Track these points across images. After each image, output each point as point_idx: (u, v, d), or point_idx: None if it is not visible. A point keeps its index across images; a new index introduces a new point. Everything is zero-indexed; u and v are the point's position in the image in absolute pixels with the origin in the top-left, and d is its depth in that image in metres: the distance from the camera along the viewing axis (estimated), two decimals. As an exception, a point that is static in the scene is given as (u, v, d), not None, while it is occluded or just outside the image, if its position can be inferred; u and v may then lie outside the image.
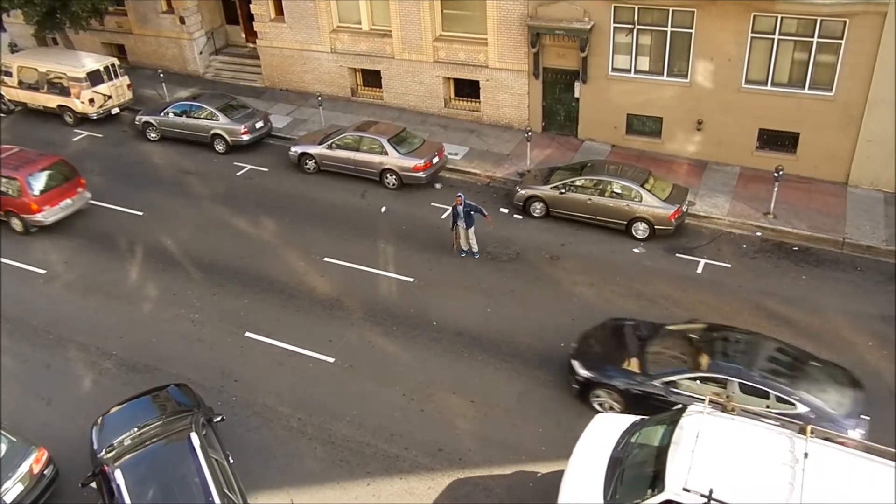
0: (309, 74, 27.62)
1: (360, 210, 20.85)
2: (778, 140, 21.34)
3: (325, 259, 18.56)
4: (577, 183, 19.35)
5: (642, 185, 18.82)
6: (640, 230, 18.88)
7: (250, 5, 27.47)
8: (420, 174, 21.34)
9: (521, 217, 20.17)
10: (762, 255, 18.40)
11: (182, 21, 28.97)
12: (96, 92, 25.80)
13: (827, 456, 9.61)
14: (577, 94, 23.37)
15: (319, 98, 25.14)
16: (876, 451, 9.80)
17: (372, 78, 26.80)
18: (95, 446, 12.16)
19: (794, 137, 21.09)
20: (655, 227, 18.71)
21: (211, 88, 28.00)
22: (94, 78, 25.79)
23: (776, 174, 19.02)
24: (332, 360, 15.28)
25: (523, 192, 20.05)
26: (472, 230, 18.28)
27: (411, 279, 17.73)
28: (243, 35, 30.49)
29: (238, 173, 23.09)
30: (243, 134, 23.85)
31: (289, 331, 16.08)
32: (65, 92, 25.77)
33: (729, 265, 17.99)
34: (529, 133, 22.13)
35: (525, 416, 13.80)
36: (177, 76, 29.41)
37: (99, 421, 12.64)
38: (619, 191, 18.92)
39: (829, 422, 11.70)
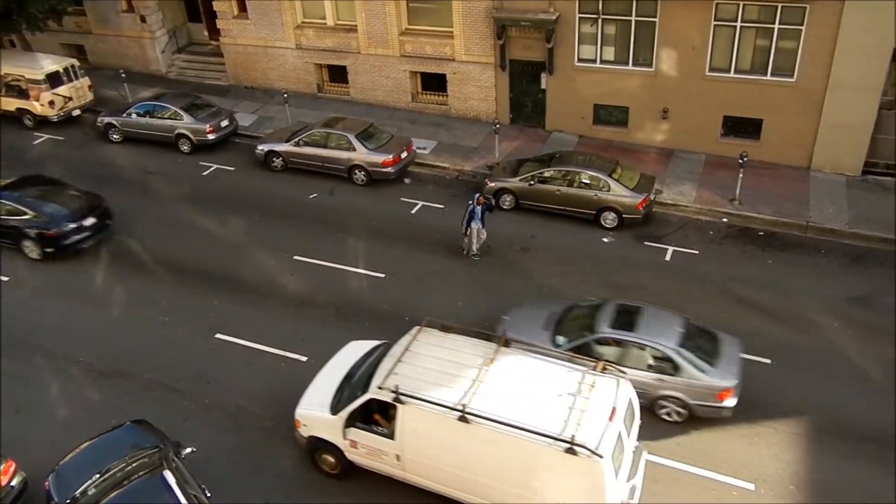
0: (274, 71, 27.33)
1: (329, 207, 20.71)
2: (742, 127, 21.60)
3: (295, 257, 18.42)
4: (546, 174, 19.42)
5: (610, 175, 18.94)
6: (609, 219, 19.01)
7: (213, 2, 27.08)
8: (389, 169, 21.24)
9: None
10: (729, 241, 18.63)
11: (143, 20, 28.49)
12: (56, 94, 25.28)
13: (515, 362, 11.35)
14: (543, 86, 23.42)
15: (285, 95, 24.90)
16: (579, 361, 11.31)
17: (338, 73, 26.60)
18: (56, 500, 11.00)
19: (757, 124, 21.36)
20: (624, 216, 18.85)
21: (174, 88, 27.57)
22: (54, 80, 25.26)
23: (741, 160, 19.26)
24: (304, 358, 15.16)
25: (493, 184, 20.07)
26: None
27: (382, 275, 17.66)
28: (206, 33, 30.05)
29: (204, 173, 22.80)
30: (209, 133, 23.54)
31: (260, 330, 15.93)
32: (23, 95, 25.19)
33: (697, 252, 18.19)
34: (497, 125, 22.14)
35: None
36: (139, 76, 28.92)
37: (55, 470, 11.51)
38: (587, 181, 19.02)
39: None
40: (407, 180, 21.96)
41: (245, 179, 22.29)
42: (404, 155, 21.67)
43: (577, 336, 13.48)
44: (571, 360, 11.38)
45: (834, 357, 14.74)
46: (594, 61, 22.44)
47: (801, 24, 19.67)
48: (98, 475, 10.97)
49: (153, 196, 21.56)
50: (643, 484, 11.50)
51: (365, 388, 11.55)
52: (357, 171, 21.55)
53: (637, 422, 11.42)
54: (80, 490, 10.88)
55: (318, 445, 12.21)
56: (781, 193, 20.07)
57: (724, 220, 19.46)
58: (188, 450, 11.80)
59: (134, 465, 11.05)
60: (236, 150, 23.97)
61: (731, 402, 12.79)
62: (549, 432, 10.03)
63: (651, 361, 12.94)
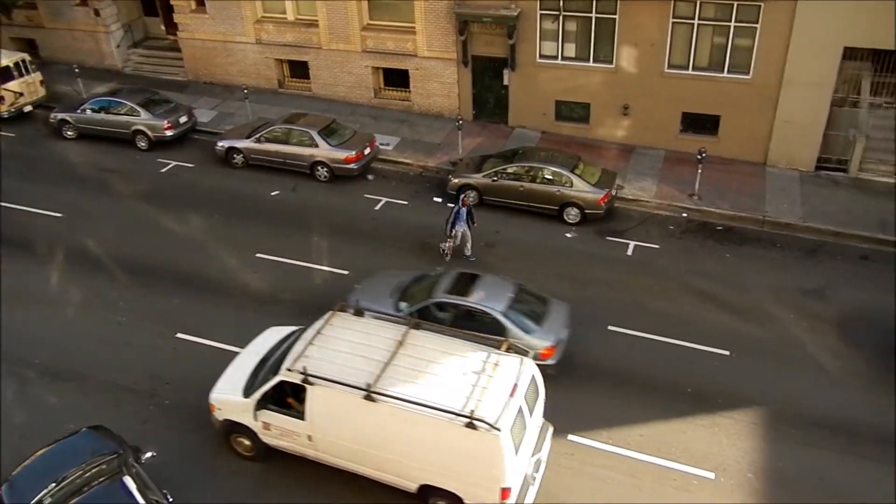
0: (234, 66, 26.94)
1: (292, 204, 20.52)
2: (700, 123, 21.98)
3: (258, 255, 18.20)
4: (509, 170, 19.51)
5: (572, 171, 19.12)
6: (572, 215, 19.20)
7: (169, -4, 26.60)
8: (352, 165, 21.12)
9: (454, 206, 20.18)
10: (688, 236, 18.97)
11: (97, 13, 27.80)
12: (6, 89, 24.55)
13: (426, 343, 11.69)
14: (506, 82, 23.52)
15: (245, 91, 24.56)
16: (491, 342, 11.71)
17: (299, 69, 26.34)
18: None
19: (715, 120, 21.76)
20: (586, 211, 19.04)
21: (131, 83, 26.96)
22: (4, 74, 24.52)
23: (699, 156, 19.60)
24: (267, 357, 15.02)
25: (456, 180, 20.09)
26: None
27: (346, 272, 17.56)
28: (163, 27, 29.47)
29: (163, 170, 22.38)
30: (167, 129, 23.11)
31: (222, 330, 15.69)
32: (-28, 90, 24.46)
33: (657, 246, 18.47)
34: (460, 121, 22.17)
35: (464, 404, 13.86)
36: (94, 71, 28.24)
37: (8, 480, 11.02)
38: (550, 177, 19.17)
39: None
40: (370, 177, 21.86)
41: (205, 176, 21.94)
42: (367, 151, 21.56)
43: (418, 301, 14.26)
44: (479, 340, 11.79)
45: (790, 348, 15.11)
46: (556, 58, 22.60)
47: (757, 22, 20.09)
48: (54, 484, 10.60)
49: (110, 194, 21.10)
50: (548, 459, 11.89)
51: (276, 371, 11.82)
52: (319, 168, 21.38)
53: (542, 399, 11.88)
54: (35, 500, 10.50)
55: (233, 429, 12.47)
56: (738, 188, 20.49)
57: (684, 214, 19.80)
58: (148, 454, 11.57)
59: (92, 472, 10.71)
60: (195, 147, 23.58)
61: (552, 360, 13.66)
62: (450, 408, 10.51)
63: (478, 323, 13.69)
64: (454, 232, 17.51)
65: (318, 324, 12.35)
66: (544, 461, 11.84)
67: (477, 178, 19.82)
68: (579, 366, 14.67)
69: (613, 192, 19.42)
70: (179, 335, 15.64)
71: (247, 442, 12.50)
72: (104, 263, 18.02)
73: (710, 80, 21.19)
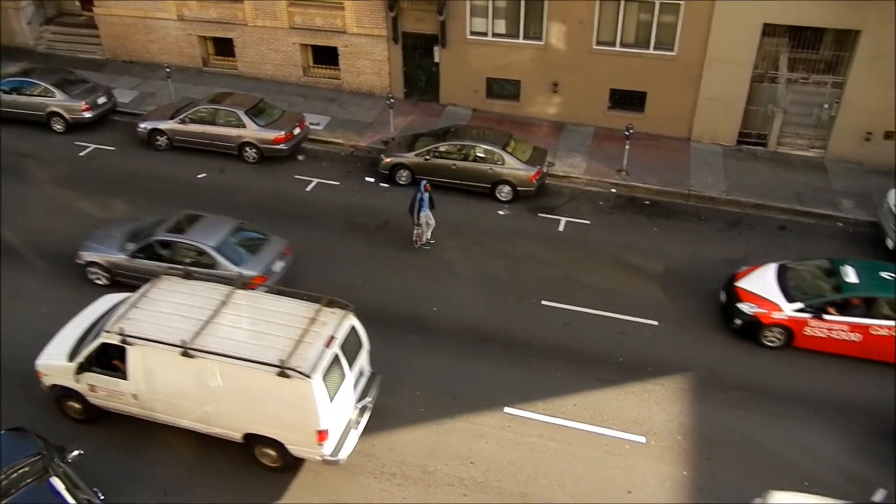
0: (155, 44, 25.94)
1: (220, 187, 20.00)
2: (628, 99, 22.41)
3: (185, 239, 17.70)
4: (441, 149, 19.48)
5: (504, 149, 19.23)
6: (504, 192, 19.34)
7: (82, -30, 25.36)
8: (281, 146, 20.70)
9: (387, 185, 20.11)
10: (617, 211, 19.39)
11: (4, -13, 26.32)
12: None
13: (251, 301, 12.33)
14: (436, 59, 23.40)
15: (168, 69, 23.70)
16: (308, 297, 12.42)
17: (224, 46, 25.57)
18: None
19: (641, 96, 22.22)
20: (518, 188, 19.22)
21: (44, 62, 25.65)
22: None
23: (627, 132, 20.01)
24: (199, 344, 14.68)
25: (388, 160, 19.95)
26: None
27: (278, 255, 17.27)
28: (78, 3, 28.11)
29: (81, 153, 21.45)
30: (84, 111, 22.12)
31: (150, 317, 15.24)
32: None
33: (588, 222, 18.82)
34: (391, 100, 21.98)
35: (400, 381, 13.90)
36: (3, 50, 26.72)
37: None
38: (482, 155, 19.24)
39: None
40: (300, 157, 21.49)
41: (127, 160, 21.14)
42: (297, 131, 21.16)
43: (141, 241, 15.50)
44: (302, 297, 12.41)
45: (714, 317, 15.68)
46: (486, 34, 22.60)
47: (680, 0, 20.51)
48: None
49: (25, 179, 20.09)
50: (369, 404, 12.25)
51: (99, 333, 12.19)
52: (248, 149, 20.87)
53: (365, 349, 12.53)
54: None
55: (63, 393, 12.70)
56: (665, 164, 21.03)
57: (613, 190, 20.21)
58: (75, 452, 11.24)
59: (15, 475, 10.30)
60: (116, 129, 22.67)
61: (265, 286, 14.47)
62: (262, 359, 11.09)
63: (194, 257, 15.02)
64: (420, 219, 17.31)
65: (144, 287, 12.76)
66: (370, 408, 12.55)
67: (409, 158, 19.72)
68: (515, 341, 14.89)
69: (544, 169, 19.64)
70: (105, 324, 15.10)
71: (77, 405, 12.74)
72: (21, 252, 17.19)
73: (637, 56, 21.59)
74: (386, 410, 13.30)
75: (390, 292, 16.21)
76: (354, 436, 12.03)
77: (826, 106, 20.89)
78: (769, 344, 14.68)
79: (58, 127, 22.32)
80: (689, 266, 17.18)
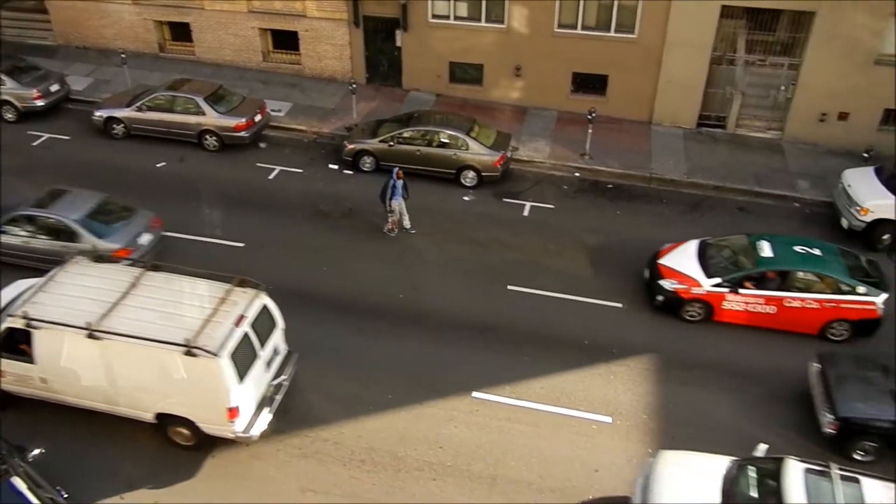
0: (109, 29, 25.27)
1: (180, 176, 19.64)
2: (590, 83, 22.52)
3: (146, 230, 17.39)
4: (405, 134, 19.39)
5: (468, 134, 19.22)
6: (469, 178, 19.36)
7: (30, -48, 24.52)
8: (242, 133, 20.39)
9: (351, 172, 19.98)
10: (581, 195, 19.56)
11: (-54, -30, 25.35)
12: None
13: (162, 283, 12.35)
14: (398, 43, 23.22)
15: (123, 55, 23.11)
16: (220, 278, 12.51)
17: (181, 31, 25.01)
18: None
19: (603, 80, 22.35)
20: (483, 174, 19.24)
21: (-8, 48, 24.85)
22: None
23: (589, 116, 20.14)
24: (162, 336, 14.49)
25: (352, 146, 19.80)
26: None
27: (241, 244, 17.08)
28: (26, -14, 27.22)
29: (35, 143, 20.86)
30: (36, 99, 21.47)
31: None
32: None
33: (552, 206, 18.95)
34: (354, 85, 21.77)
35: (368, 369, 13.91)
36: (-52, 35, 25.81)
37: None
38: (446, 140, 19.20)
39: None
40: (262, 145, 21.20)
41: (83, 149, 20.62)
42: (258, 118, 20.85)
43: (5, 215, 15.72)
44: (214, 277, 12.51)
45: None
46: (448, 17, 22.47)
47: (640, -17, 20.66)
48: None
49: (-25, 170, 19.50)
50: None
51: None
52: (208, 137, 20.52)
53: (279, 328, 12.63)
54: None
55: None
56: (627, 147, 21.23)
57: (577, 174, 20.36)
58: (35, 451, 11.09)
59: None
60: (70, 117, 22.08)
61: (130, 258, 14.44)
62: (169, 339, 11.17)
63: (57, 231, 15.30)
64: (392, 206, 17.19)
65: (53, 271, 12.70)
66: (286, 385, 12.68)
67: (373, 144, 19.60)
68: (482, 326, 14.98)
69: (509, 154, 19.69)
70: (64, 318, 14.80)
71: None
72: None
73: (598, 39, 21.68)
74: (355, 398, 13.32)
75: (357, 280, 16.16)
76: (268, 413, 12.16)
77: (783, 88, 21.28)
78: (689, 319, 15.14)
79: (9, 116, 21.64)
80: (652, 249, 17.30)
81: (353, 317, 15.16)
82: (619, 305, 15.63)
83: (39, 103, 21.56)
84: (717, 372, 14.11)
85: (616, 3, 21.12)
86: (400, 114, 21.41)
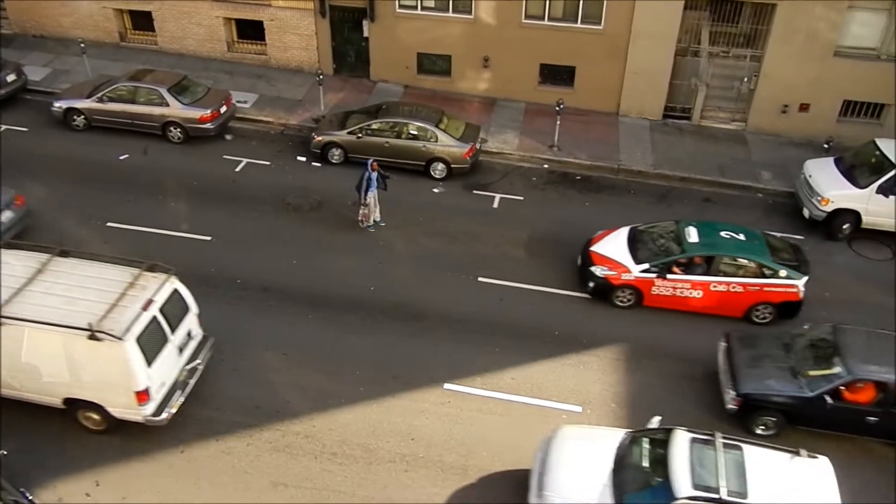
0: (67, 17, 24.62)
1: (143, 168, 19.28)
2: (558, 74, 22.61)
3: (109, 224, 17.05)
4: (374, 126, 19.28)
5: (437, 126, 19.18)
6: (438, 170, 19.33)
7: (-17, -63, 23.75)
8: (207, 125, 20.07)
9: (319, 164, 19.81)
10: (550, 186, 19.66)
11: None
12: None
13: (71, 268, 12.34)
14: (366, 34, 23.03)
15: (82, 45, 22.54)
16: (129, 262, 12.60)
17: (143, 20, 24.48)
18: None
19: (571, 71, 22.45)
20: (452, 166, 19.24)
21: (-56, 37, 24.08)
22: None
23: (557, 108, 20.23)
24: (128, 332, 14.26)
25: (320, 138, 19.62)
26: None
27: (208, 238, 16.84)
28: (-21, -28, 26.36)
29: (-9, 135, 20.33)
30: (-8, 89, 20.90)
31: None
32: None
33: (522, 198, 19.03)
34: (321, 76, 21.56)
35: (340, 362, 13.86)
36: None
37: None
38: (415, 132, 19.14)
39: None
40: (228, 136, 20.90)
41: (41, 141, 20.10)
42: (223, 109, 20.54)
43: None
44: (124, 262, 12.59)
45: (644, 287, 16.16)
46: (415, 8, 22.34)
47: (606, -26, 20.76)
48: None
49: (-71, 163, 18.91)
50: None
51: None
52: (172, 129, 20.15)
53: (192, 313, 12.70)
54: None
55: None
56: (595, 138, 21.40)
57: (545, 166, 20.46)
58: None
59: None
60: (27, 108, 21.49)
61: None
62: (72, 324, 11.20)
63: None
64: (367, 199, 17.07)
65: None
66: (201, 369, 12.80)
67: (341, 136, 19.44)
68: (453, 318, 15.00)
69: (478, 146, 19.70)
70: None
71: None
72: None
73: (565, 30, 21.75)
74: (326, 391, 13.27)
75: (327, 273, 16.06)
76: (180, 396, 12.25)
77: (745, 79, 21.61)
78: (620, 304, 15.42)
79: (-37, 107, 21.06)
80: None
81: (324, 310, 15.07)
82: (588, 296, 15.77)
83: (-5, 94, 20.98)
84: (680, 360, 14.34)
85: (583, -6, 21.21)
86: (368, 105, 21.26)
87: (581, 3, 21.32)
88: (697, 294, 15.01)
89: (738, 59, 21.55)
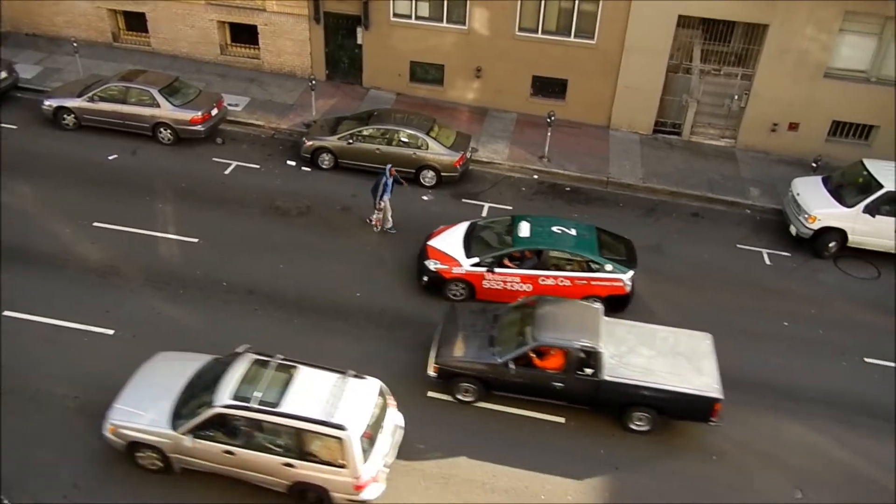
0: (60, 16, 24.54)
1: (132, 169, 19.19)
2: (549, 87, 22.72)
3: (95, 224, 16.95)
4: (365, 132, 19.28)
5: (428, 133, 19.21)
6: (428, 178, 19.35)
7: (-22, -66, 23.69)
8: (198, 127, 20.02)
9: (309, 169, 19.78)
10: (539, 197, 19.71)
11: None
12: None
13: None
14: (360, 41, 23.07)
15: (75, 44, 22.48)
16: None
17: (136, 21, 24.44)
18: None
19: (563, 84, 22.56)
20: (442, 174, 19.26)
21: (-65, 32, 23.95)
22: None
23: (549, 119, 20.31)
24: (111, 331, 14.15)
25: (310, 143, 19.61)
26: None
27: (195, 240, 16.77)
28: (-27, -31, 26.26)
29: (-21, 132, 20.19)
30: (-18, 86, 20.79)
31: (57, 305, 14.56)
32: None
33: (510, 208, 19.04)
34: (314, 81, 21.57)
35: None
36: None
37: None
38: (405, 139, 19.16)
39: None
40: (219, 139, 20.84)
41: (31, 140, 19.97)
42: (215, 112, 20.50)
43: None
44: None
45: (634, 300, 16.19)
46: (410, 17, 22.42)
47: (601, -11, 20.91)
48: None
49: (-85, 158, 18.76)
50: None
51: None
52: (162, 130, 20.09)
53: None
54: None
55: None
56: (585, 151, 21.48)
57: (535, 176, 20.51)
58: None
59: None
60: (18, 106, 21.36)
61: None
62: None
63: None
64: (382, 203, 17.09)
65: None
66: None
67: (332, 141, 19.44)
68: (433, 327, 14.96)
69: (468, 155, 19.74)
70: (7, 313, 14.34)
71: None
72: (-89, 237, 16.10)
73: (559, 44, 21.87)
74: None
75: (313, 278, 16.00)
76: None
77: (736, 97, 21.78)
78: (453, 298, 15.55)
79: (-48, 103, 20.93)
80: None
81: (309, 315, 15.00)
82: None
83: (-15, 91, 20.87)
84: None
85: (576, 8, 21.34)
86: (360, 111, 21.26)
87: (575, 17, 21.46)
88: (527, 287, 15.14)
89: (729, 77, 21.72)
